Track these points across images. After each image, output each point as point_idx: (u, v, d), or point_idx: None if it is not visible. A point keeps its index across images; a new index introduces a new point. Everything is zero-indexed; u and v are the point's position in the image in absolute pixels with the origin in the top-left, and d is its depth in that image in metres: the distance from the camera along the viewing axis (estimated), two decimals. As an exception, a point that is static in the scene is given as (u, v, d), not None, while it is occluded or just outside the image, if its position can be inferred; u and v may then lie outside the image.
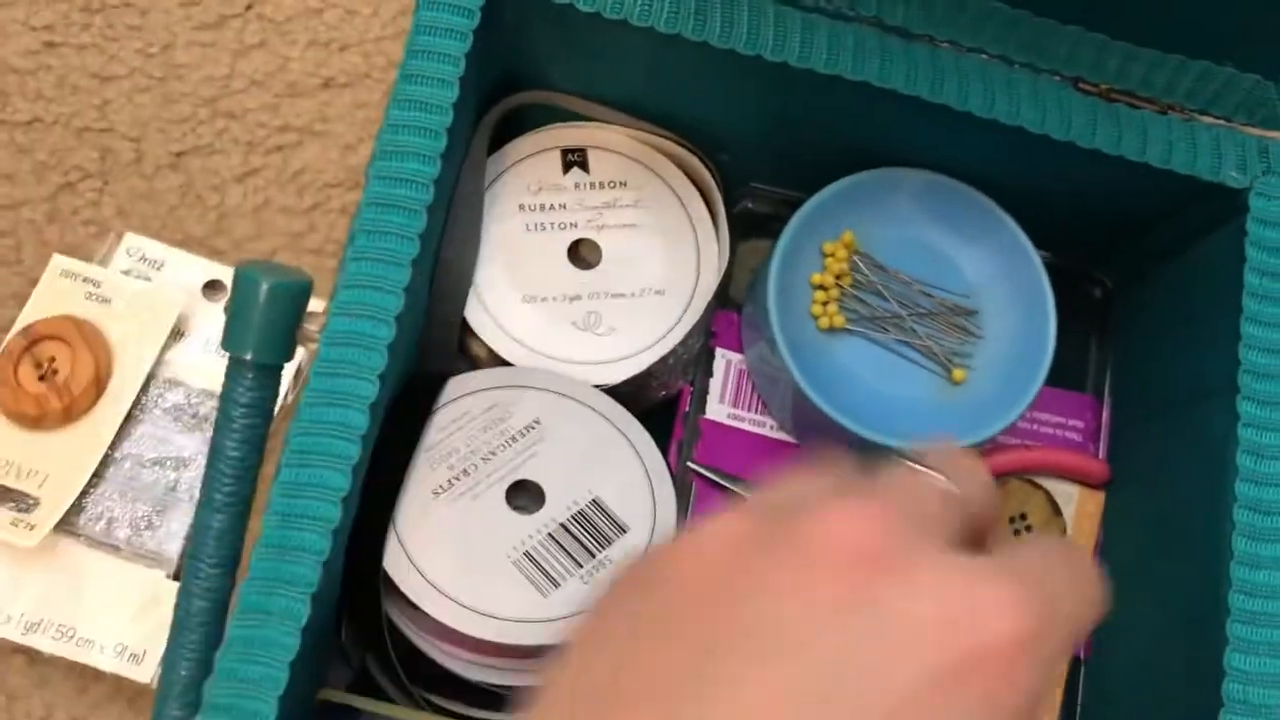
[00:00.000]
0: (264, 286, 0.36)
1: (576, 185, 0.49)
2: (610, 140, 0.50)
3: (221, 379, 0.36)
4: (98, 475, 0.49)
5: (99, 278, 0.51)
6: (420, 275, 0.40)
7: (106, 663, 0.46)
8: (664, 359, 0.47)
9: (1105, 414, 0.52)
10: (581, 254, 0.49)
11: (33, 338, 0.49)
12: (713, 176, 0.49)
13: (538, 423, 0.44)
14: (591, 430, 0.45)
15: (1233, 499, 0.40)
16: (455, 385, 0.44)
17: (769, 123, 0.48)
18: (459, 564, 0.41)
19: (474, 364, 0.47)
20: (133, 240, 0.53)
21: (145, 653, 0.47)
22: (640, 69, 0.46)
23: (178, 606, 0.35)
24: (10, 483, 0.48)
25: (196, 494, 0.47)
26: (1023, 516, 0.50)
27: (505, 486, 0.43)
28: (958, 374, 0.48)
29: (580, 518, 0.43)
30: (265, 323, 0.36)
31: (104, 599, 0.47)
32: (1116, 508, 0.50)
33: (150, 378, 0.50)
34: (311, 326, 0.52)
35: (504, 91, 0.49)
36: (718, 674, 0.23)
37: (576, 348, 0.47)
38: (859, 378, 0.48)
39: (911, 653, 0.23)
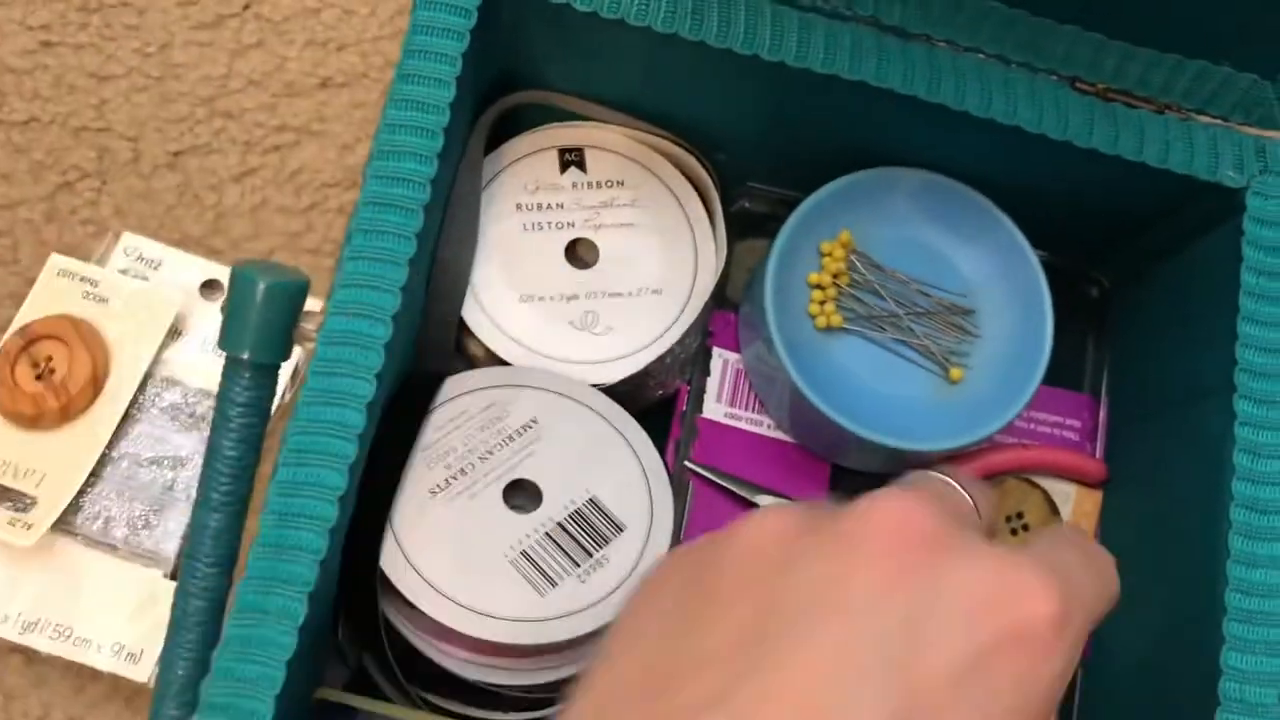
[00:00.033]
0: (261, 286, 0.36)
1: (573, 185, 0.49)
2: (607, 140, 0.50)
3: (219, 378, 0.36)
4: (95, 474, 0.49)
5: (96, 277, 0.51)
6: (417, 275, 0.40)
7: (104, 662, 0.46)
8: (661, 358, 0.47)
9: (1102, 413, 0.52)
10: (578, 253, 0.49)
11: (30, 337, 0.49)
12: (710, 176, 0.49)
13: (535, 422, 0.44)
14: (589, 429, 0.45)
15: (1229, 498, 0.40)
16: (452, 384, 0.44)
17: (766, 122, 0.48)
18: (456, 563, 0.41)
19: (471, 363, 0.47)
20: (130, 240, 0.53)
21: (142, 652, 0.47)
22: (637, 68, 0.46)
23: (175, 606, 0.35)
24: (7, 482, 0.48)
25: (194, 493, 0.47)
26: (1020, 515, 0.50)
27: (502, 486, 0.43)
28: (955, 373, 0.48)
29: (577, 517, 0.43)
30: (262, 322, 0.36)
31: (101, 598, 0.47)
32: (1113, 507, 0.50)
33: (147, 377, 0.50)
34: (309, 326, 0.52)
35: (501, 91, 0.49)
36: (780, 639, 0.25)
37: (574, 347, 0.47)
38: (856, 377, 0.48)
39: (961, 628, 0.25)
